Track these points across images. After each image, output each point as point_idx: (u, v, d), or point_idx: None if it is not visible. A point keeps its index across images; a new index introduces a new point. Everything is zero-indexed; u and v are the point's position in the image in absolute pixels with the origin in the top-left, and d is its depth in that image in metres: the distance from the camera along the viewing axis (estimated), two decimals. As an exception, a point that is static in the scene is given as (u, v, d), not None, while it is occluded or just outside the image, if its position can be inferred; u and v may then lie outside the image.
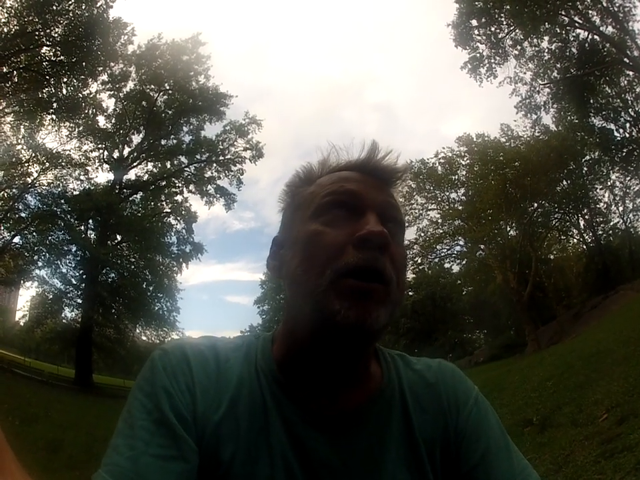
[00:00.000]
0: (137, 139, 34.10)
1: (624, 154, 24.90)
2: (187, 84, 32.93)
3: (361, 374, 0.90)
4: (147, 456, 0.73)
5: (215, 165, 34.25)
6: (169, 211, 34.93)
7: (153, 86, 32.23)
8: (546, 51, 22.42)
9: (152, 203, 34.90)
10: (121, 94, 31.44)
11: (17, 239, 28.32)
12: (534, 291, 30.40)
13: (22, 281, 29.23)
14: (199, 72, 32.95)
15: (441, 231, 34.83)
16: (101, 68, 25.78)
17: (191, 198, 37.46)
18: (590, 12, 20.34)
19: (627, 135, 24.64)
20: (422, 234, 35.21)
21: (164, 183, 34.82)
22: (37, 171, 28.08)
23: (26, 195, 27.36)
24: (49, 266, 29.01)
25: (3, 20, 20.07)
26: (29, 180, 27.57)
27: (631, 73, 21.05)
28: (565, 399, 10.25)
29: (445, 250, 36.14)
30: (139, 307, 31.17)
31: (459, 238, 34.66)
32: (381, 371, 0.95)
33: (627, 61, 20.14)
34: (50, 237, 28.10)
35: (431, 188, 34.52)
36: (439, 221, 34.90)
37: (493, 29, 23.05)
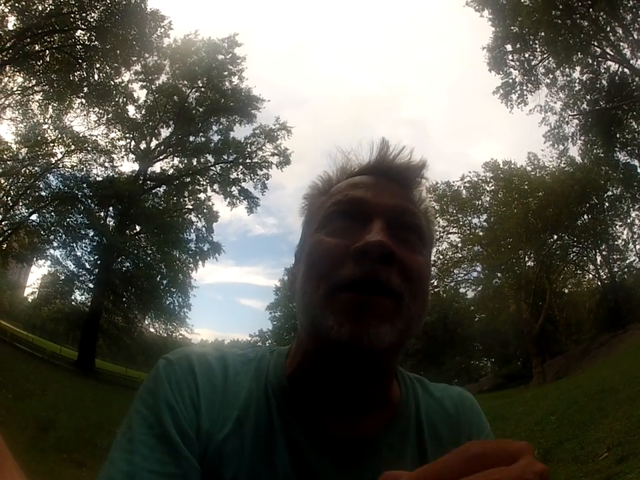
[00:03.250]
0: (165, 132, 34.21)
1: (646, 191, 24.61)
2: (220, 83, 33.09)
3: (376, 396, 0.84)
4: (145, 472, 0.69)
5: (241, 167, 34.26)
6: (191, 207, 34.95)
7: (185, 81, 32.45)
8: (577, 81, 22.36)
9: (174, 198, 35.04)
10: (153, 86, 31.63)
11: (34, 217, 28.60)
12: (545, 323, 30.16)
13: (35, 259, 29.53)
14: (233, 72, 33.07)
15: (460, 256, 34.88)
16: (135, 58, 25.83)
17: (214, 197, 37.52)
18: (622, 44, 20.25)
19: (651, 172, 24.33)
20: (440, 256, 34.99)
21: (188, 180, 34.99)
22: (61, 152, 28.39)
23: (48, 175, 27.63)
24: (64, 247, 29.19)
25: None
26: (53, 160, 27.78)
27: None
28: (568, 434, 10.24)
29: (462, 275, 36.26)
30: (151, 299, 31.24)
31: (477, 264, 34.74)
32: (400, 396, 0.89)
33: None
34: (68, 219, 28.33)
35: (454, 211, 34.56)
36: (459, 245, 34.92)
37: (526, 55, 23.00)
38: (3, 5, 19.42)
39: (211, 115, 33.77)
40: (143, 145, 33.25)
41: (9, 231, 27.52)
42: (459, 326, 40.69)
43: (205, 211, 34.71)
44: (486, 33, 23.44)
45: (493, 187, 33.26)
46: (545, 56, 22.29)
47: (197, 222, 34.73)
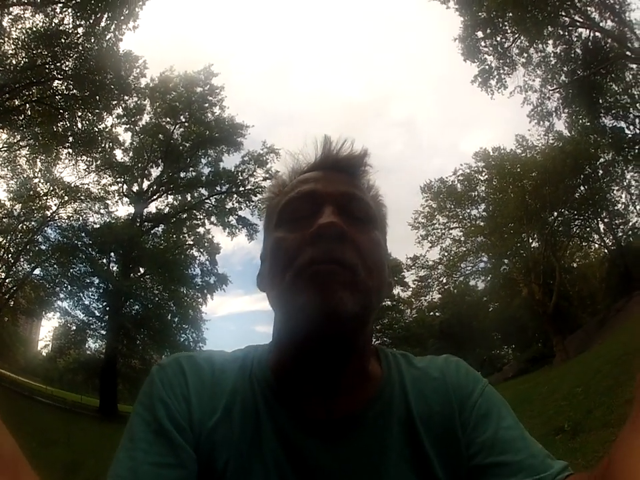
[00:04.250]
0: (155, 172, 34.30)
1: (636, 151, 24.51)
2: (202, 116, 33.25)
3: (357, 375, 0.88)
4: (147, 465, 0.75)
5: (235, 196, 34.28)
6: (192, 243, 34.92)
7: (168, 119, 32.64)
8: (552, 55, 22.40)
9: (174, 236, 35.08)
10: (137, 127, 31.81)
11: (37, 271, 28.76)
12: (559, 300, 30.01)
13: (44, 312, 29.62)
14: (214, 103, 33.22)
15: (464, 249, 34.88)
16: (115, 102, 25.79)
17: (213, 229, 37.61)
18: (588, 8, 20.38)
19: (638, 131, 24.28)
20: (445, 253, 35.37)
21: (185, 216, 35.09)
22: (55, 205, 28.58)
23: (45, 228, 27.88)
24: (71, 298, 29.25)
25: (11, 51, 20.41)
26: (48, 213, 28.00)
27: (634, 66, 20.86)
28: (596, 403, 10.22)
29: (469, 268, 36.21)
30: (164, 338, 31.16)
31: (483, 254, 34.69)
32: (381, 372, 0.93)
33: (629, 54, 20.02)
34: (71, 270, 28.43)
35: (452, 206, 34.60)
36: (462, 239, 34.89)
37: (498, 39, 23.08)
38: None
39: (198, 149, 33.90)
40: (135, 188, 33.38)
41: (14, 288, 27.69)
42: (474, 319, 40.46)
43: (206, 244, 34.73)
44: (456, 24, 23.47)
45: (486, 176, 33.23)
46: (516, 36, 22.40)
47: (200, 256, 34.75)
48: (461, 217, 34.76)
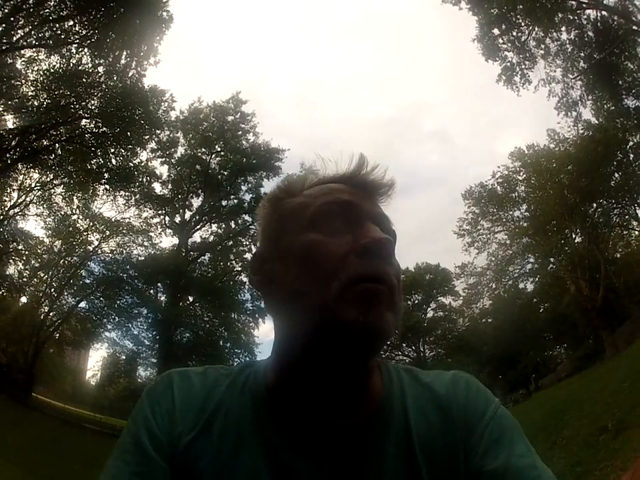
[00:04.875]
0: (196, 202, 35.01)
1: (662, 128, 23.54)
2: (237, 144, 33.80)
3: (358, 393, 0.85)
4: (126, 474, 0.81)
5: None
6: (240, 269, 35.35)
7: (203, 149, 33.38)
8: (567, 42, 21.92)
9: (221, 263, 35.64)
10: (172, 160, 32.64)
11: (82, 304, 29.52)
12: (606, 294, 29.05)
13: (91, 343, 30.33)
14: (247, 130, 33.82)
15: (511, 252, 34.37)
16: (147, 136, 26.07)
17: (260, 255, 37.95)
18: None
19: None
20: (493, 258, 35.02)
21: (231, 243, 35.60)
22: (97, 239, 29.37)
23: (88, 263, 28.68)
24: (119, 328, 29.92)
25: (31, 93, 20.88)
26: (90, 248, 28.77)
27: None
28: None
29: (517, 270, 35.74)
30: (217, 364, 31.31)
31: (529, 255, 34.13)
32: (383, 388, 0.89)
33: (636, 28, 19.49)
34: (118, 302, 29.10)
35: (494, 210, 34.14)
36: (507, 242, 34.42)
37: (514, 33, 22.79)
38: None
39: (237, 176, 34.41)
40: (177, 219, 34.15)
41: (59, 321, 28.51)
42: (526, 322, 39.36)
43: (254, 269, 35.00)
44: (472, 25, 23.31)
45: (524, 175, 32.67)
46: (530, 28, 22.09)
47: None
48: (504, 219, 34.32)
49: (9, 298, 28.70)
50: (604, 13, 20.18)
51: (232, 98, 33.02)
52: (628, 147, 26.12)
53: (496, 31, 23.06)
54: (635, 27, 19.22)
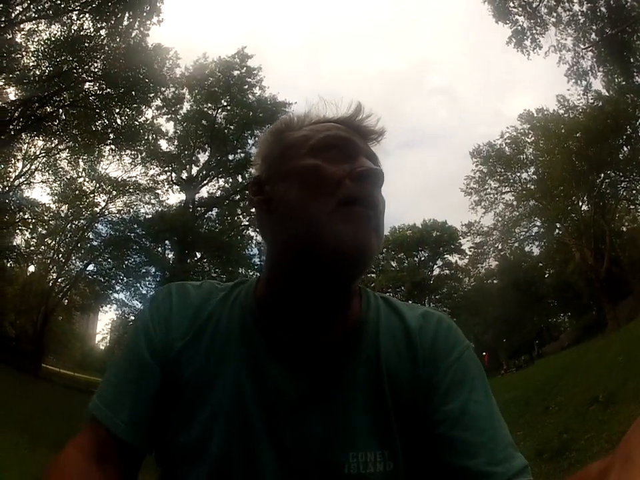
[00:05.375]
0: (203, 157, 34.50)
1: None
2: (243, 98, 33.04)
3: (339, 311, 0.92)
4: (120, 372, 0.93)
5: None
6: (247, 223, 35.09)
7: (209, 104, 32.68)
8: (579, 14, 21.28)
9: (228, 218, 35.37)
10: (178, 116, 32.03)
11: (90, 267, 29.67)
12: (610, 266, 29.17)
13: (99, 306, 30.53)
14: (253, 84, 32.99)
15: (517, 214, 34.34)
16: (152, 94, 25.68)
17: (267, 207, 37.74)
18: None
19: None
20: (499, 218, 34.96)
21: (238, 197, 35.27)
22: (104, 200, 29.34)
23: (95, 224, 28.69)
24: (127, 289, 29.92)
25: (32, 64, 20.59)
26: (97, 210, 28.80)
27: None
28: (633, 373, 10.19)
29: (524, 233, 35.73)
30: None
31: (535, 219, 34.12)
32: (360, 310, 0.96)
33: None
34: (126, 262, 29.13)
35: (502, 170, 33.96)
36: (514, 203, 34.25)
37: (525, -1, 22.17)
38: None
39: (244, 130, 33.78)
40: (184, 175, 33.71)
41: (67, 286, 28.69)
42: (531, 285, 39.56)
43: (261, 222, 34.89)
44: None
45: (532, 138, 32.27)
46: (542, -5, 21.46)
47: (256, 236, 34.83)
48: (512, 180, 34.13)
49: (17, 269, 28.93)
50: None
51: (237, 53, 32.19)
52: (638, 122, 25.66)
53: (507, -7, 22.40)
54: None
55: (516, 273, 38.83)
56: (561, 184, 28.73)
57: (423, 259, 50.02)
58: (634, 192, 30.72)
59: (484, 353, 38.07)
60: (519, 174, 33.96)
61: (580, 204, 31.32)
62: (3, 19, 17.98)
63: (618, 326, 24.36)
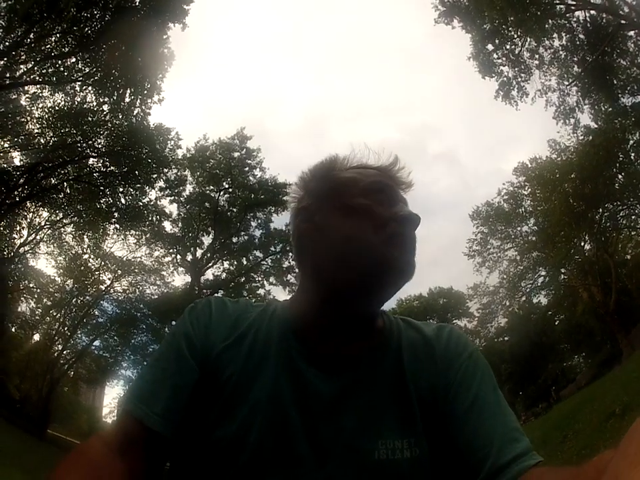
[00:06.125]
0: (207, 240, 34.45)
1: (660, 120, 23.46)
2: (244, 180, 33.38)
3: (367, 328, 1.08)
4: (156, 369, 1.02)
5: (290, 254, 34.43)
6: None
7: (211, 186, 32.95)
8: (560, 48, 22.20)
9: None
10: (181, 198, 32.22)
11: (96, 342, 29.57)
12: (619, 296, 28.98)
13: (106, 381, 29.95)
14: (253, 166, 33.22)
15: (521, 267, 34.20)
16: (155, 175, 25.95)
17: (273, 289, 37.65)
18: None
19: (656, 99, 23.34)
20: (504, 276, 34.74)
21: (243, 279, 35.37)
22: (109, 279, 29.34)
23: (101, 302, 28.65)
24: (134, 366, 29.51)
25: (37, 130, 21.06)
26: (102, 287, 28.70)
27: (632, 33, 20.48)
28: None
29: (529, 285, 35.41)
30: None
31: (540, 269, 34.12)
32: (384, 326, 1.11)
33: (623, 22, 19.74)
34: (133, 340, 28.93)
35: (503, 227, 34.04)
36: (517, 257, 34.25)
37: (508, 46, 23.10)
38: (1, 140, 20.41)
39: (246, 212, 33.98)
40: (189, 257, 33.67)
41: (73, 359, 28.25)
42: (542, 335, 39.16)
43: (267, 305, 34.65)
44: (466, 42, 23.60)
45: (529, 190, 32.55)
46: (523, 39, 22.39)
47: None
48: (513, 236, 34.18)
49: (21, 335, 28.72)
50: (592, 12, 20.50)
51: (237, 134, 32.80)
52: (628, 146, 26.04)
53: (490, 47, 23.37)
54: (622, 21, 19.51)
55: (526, 326, 38.50)
56: (561, 229, 28.76)
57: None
58: (633, 217, 30.63)
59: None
60: (519, 228, 34.14)
61: (582, 244, 31.50)
62: (8, 76, 18.51)
63: (632, 350, 24.29)
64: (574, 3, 20.54)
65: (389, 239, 1.00)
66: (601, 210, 29.10)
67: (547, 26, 20.93)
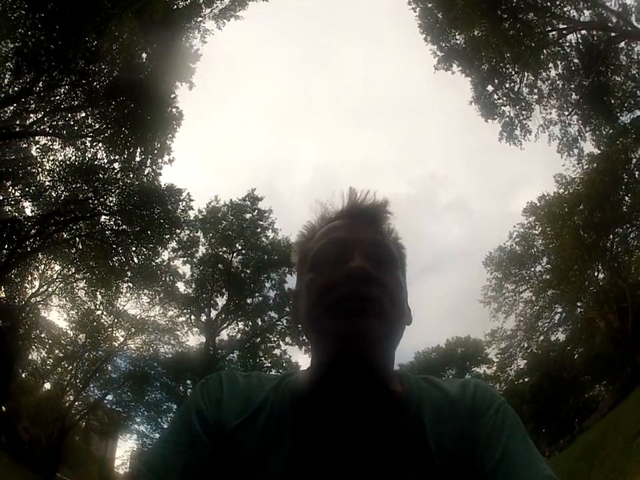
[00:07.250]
0: (221, 301, 34.33)
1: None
2: (257, 241, 33.56)
3: (380, 394, 1.01)
4: (169, 444, 1.00)
5: (305, 314, 34.12)
6: (270, 365, 34.69)
7: (224, 248, 32.94)
8: (557, 78, 22.47)
9: (250, 360, 34.93)
10: (194, 259, 32.34)
11: (109, 396, 29.44)
12: (636, 319, 28.29)
13: (119, 434, 29.26)
14: (265, 227, 33.24)
15: (537, 307, 34.16)
16: (168, 236, 25.83)
17: (289, 349, 37.21)
18: (565, 9, 20.66)
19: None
20: (521, 318, 34.63)
21: (258, 340, 35.12)
22: (122, 336, 29.15)
23: (114, 357, 28.34)
24: (148, 422, 29.19)
25: (48, 183, 21.11)
26: (115, 344, 28.49)
27: (622, 45, 20.78)
28: None
29: (547, 324, 35.31)
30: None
31: (556, 306, 34.05)
32: (403, 392, 1.05)
33: (613, 34, 20.06)
34: (146, 397, 28.53)
35: (516, 270, 34.00)
36: (533, 298, 34.13)
37: (507, 85, 23.42)
38: (13, 189, 20.51)
39: (260, 274, 33.96)
40: (203, 317, 33.63)
41: (85, 411, 27.71)
42: (563, 371, 38.48)
43: (284, 364, 34.23)
44: (467, 86, 24.01)
45: (539, 229, 32.44)
46: (521, 75, 22.77)
47: (281, 376, 33.97)
48: (527, 277, 34.06)
49: (32, 382, 28.36)
50: (583, 32, 20.83)
51: (248, 195, 32.94)
52: (632, 165, 25.98)
53: (490, 88, 23.67)
54: (612, 34, 19.85)
55: (545, 364, 37.94)
56: (574, 263, 28.59)
57: (450, 377, 48.55)
58: (643, 237, 30.09)
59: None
60: (532, 269, 34.01)
61: (596, 274, 31.15)
62: (18, 123, 18.72)
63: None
64: (565, 26, 20.97)
65: (327, 311, 0.97)
66: (611, 236, 28.99)
67: (542, 57, 21.30)
